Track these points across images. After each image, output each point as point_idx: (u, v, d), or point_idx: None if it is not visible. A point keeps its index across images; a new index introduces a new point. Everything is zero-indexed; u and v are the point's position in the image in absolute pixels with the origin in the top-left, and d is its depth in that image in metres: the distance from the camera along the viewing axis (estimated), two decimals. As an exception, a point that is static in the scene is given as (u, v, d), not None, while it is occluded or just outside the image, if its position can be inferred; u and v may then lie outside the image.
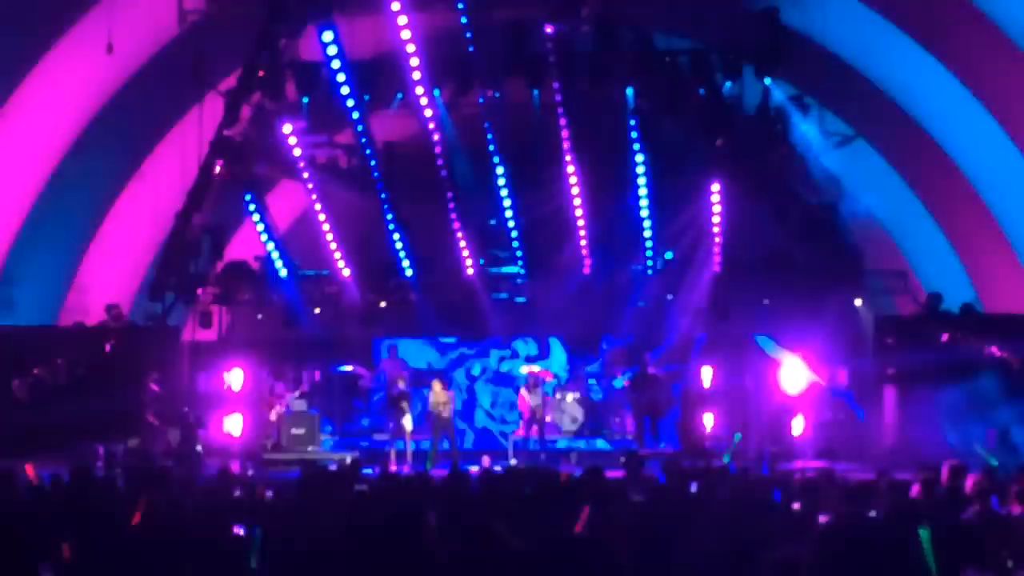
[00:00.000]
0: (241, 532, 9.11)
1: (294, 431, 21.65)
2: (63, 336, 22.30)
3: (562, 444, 22.34)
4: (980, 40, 20.58)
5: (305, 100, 22.16)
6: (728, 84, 21.03)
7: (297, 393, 22.14)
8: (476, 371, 24.20)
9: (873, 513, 9.85)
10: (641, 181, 21.60)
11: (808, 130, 21.63)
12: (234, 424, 21.67)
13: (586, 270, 22.86)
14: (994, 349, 19.97)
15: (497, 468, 15.73)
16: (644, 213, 21.85)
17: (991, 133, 21.48)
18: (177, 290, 22.53)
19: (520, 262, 22.97)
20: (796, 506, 10.58)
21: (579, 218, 22.29)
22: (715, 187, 21.38)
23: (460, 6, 20.43)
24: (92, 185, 23.18)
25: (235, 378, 22.28)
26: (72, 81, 21.64)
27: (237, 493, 11.95)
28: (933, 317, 21.42)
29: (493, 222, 22.65)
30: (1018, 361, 19.66)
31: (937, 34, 20.52)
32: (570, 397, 22.92)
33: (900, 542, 7.95)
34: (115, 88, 22.45)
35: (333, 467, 15.54)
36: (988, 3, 20.05)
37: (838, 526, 8.96)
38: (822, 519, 9.61)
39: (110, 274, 24.01)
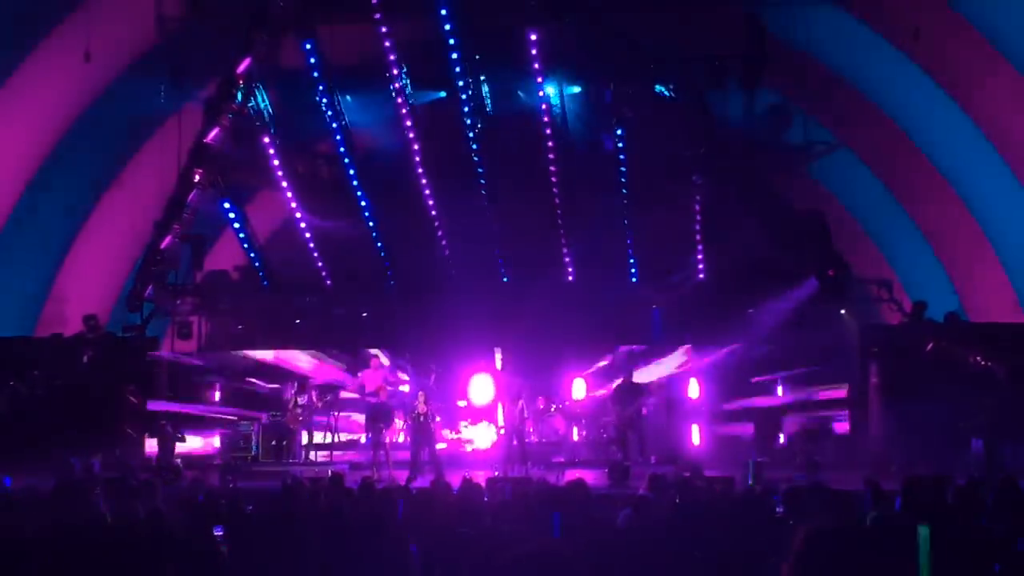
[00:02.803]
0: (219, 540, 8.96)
1: (274, 443, 21.43)
2: (40, 347, 22.06)
3: (545, 455, 22.15)
4: (963, 49, 20.56)
5: (285, 109, 22.03)
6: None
7: (320, 405, 21.83)
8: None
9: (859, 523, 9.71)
10: (625, 191, 21.55)
11: None
12: (214, 436, 21.51)
13: (570, 278, 22.74)
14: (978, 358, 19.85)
15: (479, 479, 15.54)
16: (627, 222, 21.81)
17: (976, 142, 21.45)
18: (156, 301, 22.32)
19: (503, 270, 22.85)
20: (781, 516, 10.44)
21: (562, 226, 22.19)
22: (698, 196, 21.35)
23: (443, 12, 20.31)
24: (70, 194, 22.97)
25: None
26: (50, 89, 21.46)
27: (216, 504, 11.75)
28: (918, 326, 21.35)
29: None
30: (1004, 370, 19.56)
31: (921, 44, 20.46)
32: (553, 408, 22.74)
33: (885, 552, 7.81)
34: (93, 96, 22.28)
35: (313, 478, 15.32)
36: (971, 12, 20.02)
37: (823, 536, 8.80)
38: (807, 529, 9.44)
39: (88, 284, 23.78)
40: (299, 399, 21.47)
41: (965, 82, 21.21)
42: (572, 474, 18.00)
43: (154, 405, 21.21)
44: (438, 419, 20.67)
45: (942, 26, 20.15)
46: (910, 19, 19.84)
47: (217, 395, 22.93)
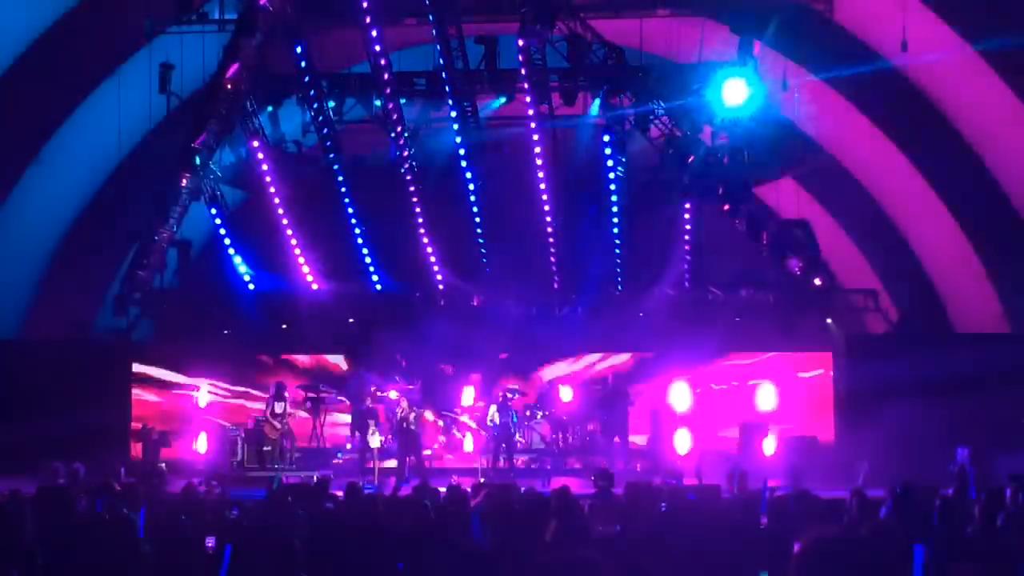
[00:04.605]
0: (211, 544, 8.96)
1: (258, 448, 21.31)
2: (26, 351, 21.97)
3: (531, 462, 22.13)
4: (950, 58, 20.64)
5: (272, 113, 22.04)
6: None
7: (298, 412, 21.69)
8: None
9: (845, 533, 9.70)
10: (613, 199, 21.59)
11: None
12: (200, 442, 21.42)
13: (556, 286, 22.74)
14: None
15: (464, 485, 15.52)
16: (615, 231, 21.83)
17: (964, 153, 21.52)
18: (142, 305, 22.25)
19: (489, 278, 22.85)
20: (766, 525, 10.44)
21: (550, 235, 22.19)
22: (687, 204, 21.41)
23: (431, 18, 20.33)
24: (57, 197, 22.90)
25: (201, 396, 22.09)
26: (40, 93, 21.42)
27: (203, 510, 11.72)
28: (904, 336, 21.40)
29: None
30: (989, 380, 19.60)
31: (909, 52, 20.53)
32: (540, 415, 22.71)
33: (873, 562, 7.80)
34: (82, 98, 22.24)
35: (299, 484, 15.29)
36: (954, 19, 20.10)
37: (812, 547, 8.80)
38: (794, 539, 9.45)
39: (74, 289, 23.69)
40: (275, 406, 21.32)
41: (951, 91, 21.28)
42: (557, 481, 18.02)
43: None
44: (428, 415, 20.65)
45: (929, 35, 20.22)
46: (897, 28, 19.90)
47: (204, 400, 22.84)
